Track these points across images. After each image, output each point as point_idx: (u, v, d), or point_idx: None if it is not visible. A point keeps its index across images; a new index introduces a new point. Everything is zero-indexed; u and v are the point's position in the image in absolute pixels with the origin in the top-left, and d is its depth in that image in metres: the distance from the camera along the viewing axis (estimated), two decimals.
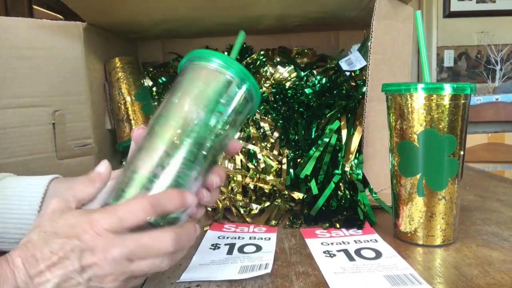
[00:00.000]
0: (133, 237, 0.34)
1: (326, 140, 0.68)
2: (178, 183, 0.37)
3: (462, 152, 0.50)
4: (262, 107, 0.79)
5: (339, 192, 0.64)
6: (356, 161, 0.65)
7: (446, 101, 0.48)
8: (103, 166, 0.40)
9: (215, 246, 0.52)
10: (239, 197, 0.66)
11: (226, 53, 1.02)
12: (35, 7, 2.71)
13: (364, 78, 0.73)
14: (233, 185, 0.69)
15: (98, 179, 0.39)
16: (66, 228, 0.34)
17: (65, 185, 0.50)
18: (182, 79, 0.40)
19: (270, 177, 0.69)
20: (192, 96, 0.38)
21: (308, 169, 0.65)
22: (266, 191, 0.69)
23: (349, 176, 0.64)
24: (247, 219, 0.62)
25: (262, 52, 0.95)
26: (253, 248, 0.51)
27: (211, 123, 0.38)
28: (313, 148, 0.68)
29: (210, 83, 0.39)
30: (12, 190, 0.49)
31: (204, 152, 0.38)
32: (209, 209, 0.65)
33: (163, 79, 0.96)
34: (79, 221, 0.34)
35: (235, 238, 0.55)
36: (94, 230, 0.33)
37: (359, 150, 0.65)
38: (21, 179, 0.51)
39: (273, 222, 0.60)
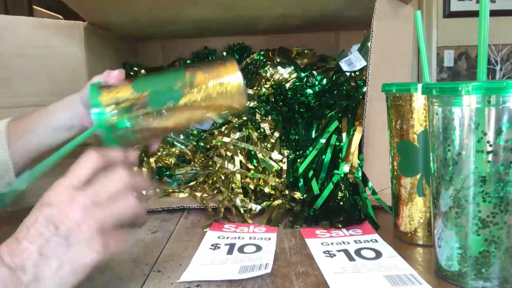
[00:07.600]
0: (92, 184, 0.37)
1: (324, 140, 0.68)
2: None
3: None
4: (263, 107, 0.79)
5: (339, 193, 0.64)
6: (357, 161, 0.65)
7: None
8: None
9: (215, 246, 0.52)
10: (239, 197, 0.66)
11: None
12: (35, 7, 2.71)
13: (364, 78, 0.73)
14: (233, 185, 0.69)
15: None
16: (37, 204, 0.36)
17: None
18: None
19: (270, 177, 0.69)
20: None
21: (303, 166, 0.65)
22: (266, 191, 0.69)
23: (349, 176, 0.64)
24: (247, 219, 0.62)
25: (262, 53, 0.95)
26: (253, 248, 0.51)
27: None
28: (310, 147, 0.68)
29: None
30: None
31: None
32: (210, 209, 0.65)
33: None
34: (45, 193, 0.37)
35: (235, 238, 0.55)
36: (55, 191, 0.36)
37: (359, 150, 0.65)
38: None
39: (273, 222, 0.60)
